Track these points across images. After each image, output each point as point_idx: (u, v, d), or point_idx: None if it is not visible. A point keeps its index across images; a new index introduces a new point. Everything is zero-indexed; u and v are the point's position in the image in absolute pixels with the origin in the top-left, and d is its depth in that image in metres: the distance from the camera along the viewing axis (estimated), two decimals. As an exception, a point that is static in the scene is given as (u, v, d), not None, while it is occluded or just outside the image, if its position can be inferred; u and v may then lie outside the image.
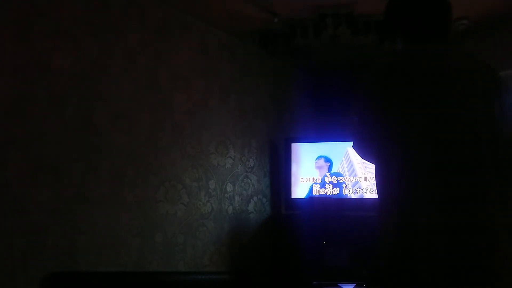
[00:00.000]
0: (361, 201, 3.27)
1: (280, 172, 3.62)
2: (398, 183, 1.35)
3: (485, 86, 1.36)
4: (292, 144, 3.48)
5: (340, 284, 3.00)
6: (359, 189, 3.31)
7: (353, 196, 3.31)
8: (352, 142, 1.55)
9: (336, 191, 3.34)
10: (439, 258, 1.24)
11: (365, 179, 3.29)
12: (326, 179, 3.38)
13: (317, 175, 3.40)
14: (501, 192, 1.30)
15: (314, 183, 3.39)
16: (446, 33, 1.48)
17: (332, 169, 3.38)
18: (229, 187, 3.17)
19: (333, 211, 3.17)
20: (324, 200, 3.23)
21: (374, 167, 1.49)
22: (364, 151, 1.53)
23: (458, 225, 1.25)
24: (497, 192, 1.29)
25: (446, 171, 1.29)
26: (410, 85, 1.36)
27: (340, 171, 3.37)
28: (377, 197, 1.46)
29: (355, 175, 3.33)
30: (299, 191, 3.41)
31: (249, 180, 3.36)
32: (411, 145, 1.33)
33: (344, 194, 3.33)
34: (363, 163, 3.25)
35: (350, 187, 3.33)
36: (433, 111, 1.33)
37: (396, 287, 1.32)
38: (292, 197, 3.42)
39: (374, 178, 1.49)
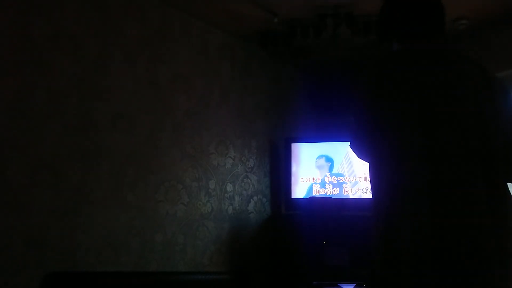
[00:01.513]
0: (361, 201, 3.27)
1: (280, 172, 3.62)
2: (389, 188, 1.37)
3: (475, 87, 1.36)
4: (292, 144, 3.48)
5: (340, 284, 3.00)
6: (359, 189, 3.31)
7: (353, 196, 3.31)
8: (349, 142, 1.56)
9: (336, 191, 3.34)
10: (425, 273, 1.25)
11: (365, 179, 3.28)
12: (326, 179, 3.38)
13: (317, 175, 3.40)
14: (489, 204, 1.29)
15: (314, 183, 3.39)
16: (439, 33, 1.49)
17: (333, 169, 3.39)
18: (229, 187, 3.17)
19: (333, 211, 3.16)
20: (324, 200, 3.23)
21: (368, 167, 1.50)
22: (360, 151, 1.54)
23: (444, 242, 1.25)
24: (485, 204, 1.28)
25: (434, 180, 1.29)
26: (400, 86, 1.37)
27: (340, 171, 3.37)
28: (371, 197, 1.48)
29: (355, 175, 3.33)
30: (299, 191, 3.41)
31: (249, 180, 3.36)
32: (404, 145, 1.34)
33: (344, 194, 3.33)
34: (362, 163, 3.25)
35: (350, 187, 3.33)
36: (422, 111, 1.33)
37: None
38: (292, 197, 3.42)
39: (369, 177, 1.50)
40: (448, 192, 1.28)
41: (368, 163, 1.52)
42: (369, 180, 1.49)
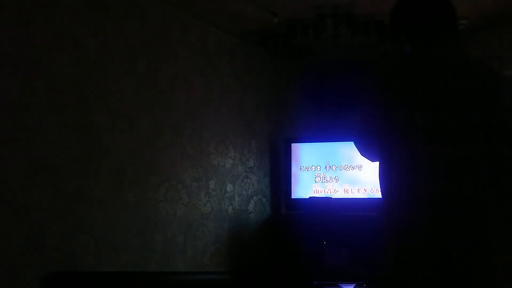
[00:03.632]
0: (361, 201, 3.27)
1: (280, 172, 3.62)
2: (401, 193, 1.37)
3: (486, 91, 1.37)
4: (292, 144, 3.48)
5: (340, 284, 3.00)
6: (359, 189, 3.31)
7: (353, 196, 3.31)
8: (353, 139, 1.57)
9: (336, 191, 3.34)
10: (437, 272, 1.26)
11: (365, 179, 3.29)
12: (326, 179, 3.38)
13: (317, 175, 3.39)
14: (502, 205, 1.30)
15: (314, 183, 3.39)
16: (451, 35, 1.49)
17: (333, 169, 3.38)
18: (229, 187, 3.17)
19: (333, 211, 3.17)
20: (324, 200, 3.23)
21: (378, 166, 1.51)
22: (365, 148, 1.54)
23: (456, 242, 1.26)
24: (498, 205, 1.30)
25: (448, 179, 1.30)
26: (413, 89, 1.38)
27: (341, 171, 3.37)
28: (380, 196, 1.48)
29: (355, 175, 3.33)
30: (299, 191, 3.41)
31: (249, 180, 3.36)
32: (415, 148, 1.35)
33: (344, 194, 3.33)
34: (362, 163, 3.25)
35: (350, 187, 3.33)
36: (434, 113, 1.34)
37: None
38: (292, 197, 3.42)
39: (378, 177, 1.50)
40: (460, 194, 1.29)
41: (373, 161, 1.53)
42: (379, 180, 1.49)
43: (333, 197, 3.29)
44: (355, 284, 2.97)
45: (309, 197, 3.31)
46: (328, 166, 3.40)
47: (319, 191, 3.37)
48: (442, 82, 1.37)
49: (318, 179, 3.39)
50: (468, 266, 1.25)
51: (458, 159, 1.31)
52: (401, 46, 1.58)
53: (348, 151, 3.35)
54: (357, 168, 3.33)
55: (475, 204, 1.29)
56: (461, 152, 1.32)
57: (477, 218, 1.28)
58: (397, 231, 1.37)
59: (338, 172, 3.37)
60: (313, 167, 3.42)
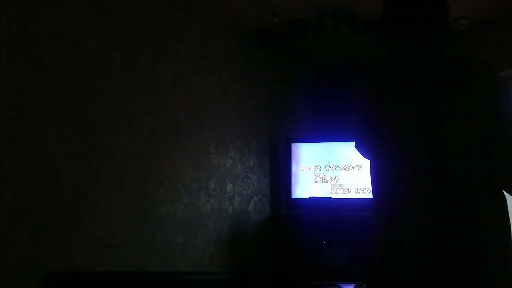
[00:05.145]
0: (361, 201, 3.27)
1: (280, 172, 3.62)
2: (391, 188, 1.37)
3: (480, 85, 1.36)
4: (292, 144, 3.48)
5: (340, 284, 3.00)
6: (359, 189, 3.31)
7: (353, 196, 3.31)
8: (354, 142, 1.56)
9: (336, 191, 3.34)
10: (427, 271, 1.25)
11: (365, 179, 3.28)
12: (326, 178, 3.38)
13: (317, 175, 3.39)
14: (489, 202, 1.30)
15: (314, 183, 3.39)
16: (444, 30, 1.48)
17: (333, 169, 3.38)
18: (229, 187, 3.17)
19: (333, 211, 3.16)
20: (324, 200, 3.23)
21: (370, 166, 1.50)
22: (364, 150, 1.53)
23: (445, 240, 1.26)
24: (487, 202, 1.29)
25: (439, 177, 1.30)
26: (406, 84, 1.37)
27: (340, 171, 3.37)
28: (372, 196, 1.48)
29: (355, 176, 3.33)
30: (299, 191, 3.41)
31: (249, 180, 3.36)
32: (407, 144, 1.34)
33: (344, 194, 3.33)
34: (362, 163, 3.25)
35: (350, 187, 3.33)
36: (428, 109, 1.34)
37: None
38: (292, 197, 3.42)
39: (370, 176, 1.50)
40: (450, 191, 1.28)
41: (370, 161, 1.52)
42: (370, 178, 1.49)
43: (333, 197, 3.29)
44: (355, 284, 2.97)
45: (309, 197, 3.31)
46: (328, 166, 3.40)
47: (319, 191, 3.36)
48: (435, 80, 1.36)
49: (318, 179, 3.39)
50: (461, 263, 1.25)
51: (452, 157, 1.31)
52: (395, 41, 1.57)
53: (347, 151, 3.35)
54: (357, 168, 3.33)
55: (468, 203, 1.28)
56: (454, 150, 1.31)
57: (470, 214, 1.27)
58: (387, 230, 1.36)
59: (338, 172, 3.37)
60: (313, 167, 3.42)
